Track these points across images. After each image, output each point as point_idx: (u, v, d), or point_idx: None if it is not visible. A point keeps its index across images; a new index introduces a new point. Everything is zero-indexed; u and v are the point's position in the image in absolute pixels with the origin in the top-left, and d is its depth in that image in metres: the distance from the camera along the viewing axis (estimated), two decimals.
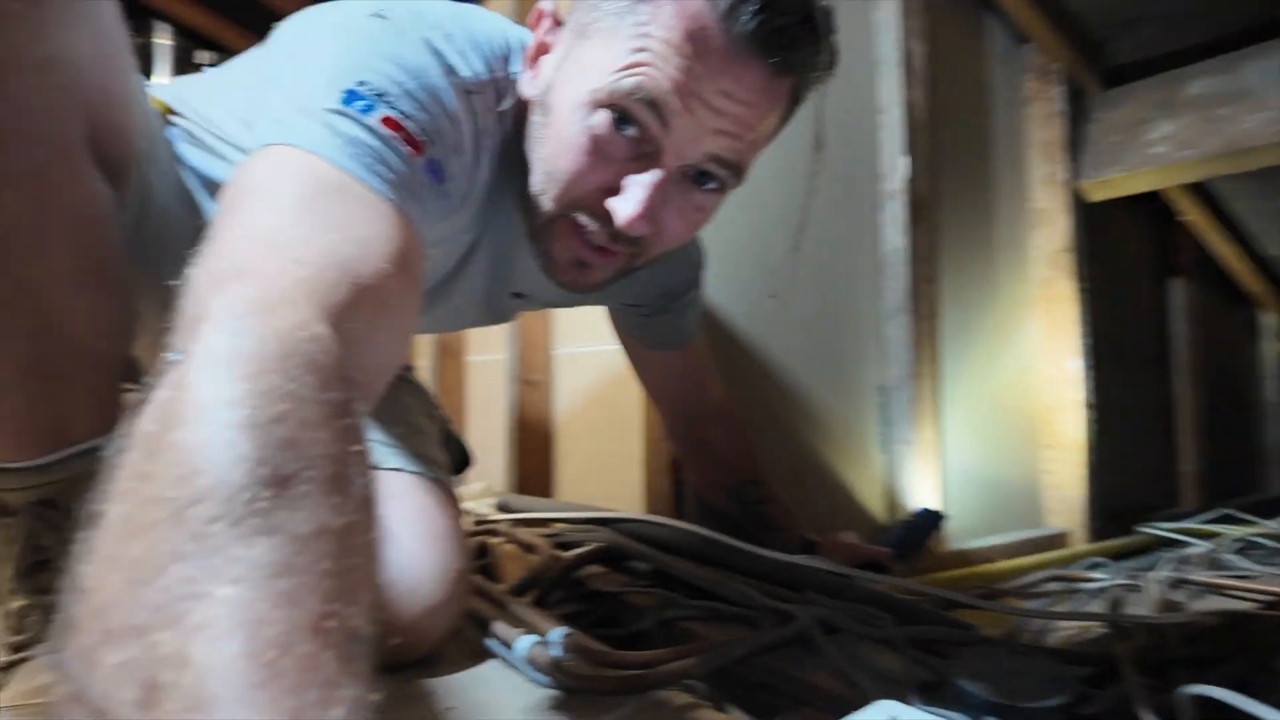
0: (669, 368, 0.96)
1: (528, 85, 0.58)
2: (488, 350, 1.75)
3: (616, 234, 0.55)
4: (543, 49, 0.58)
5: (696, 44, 0.49)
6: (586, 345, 1.35)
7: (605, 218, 0.55)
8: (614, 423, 1.30)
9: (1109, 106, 1.81)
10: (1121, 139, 1.76)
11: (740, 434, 1.03)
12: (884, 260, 1.39)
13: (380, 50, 0.50)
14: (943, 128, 1.51)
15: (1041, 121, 1.77)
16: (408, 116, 0.48)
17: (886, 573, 1.08)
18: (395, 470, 0.78)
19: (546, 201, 0.57)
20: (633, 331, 0.93)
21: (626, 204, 0.53)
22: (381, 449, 0.80)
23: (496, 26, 0.60)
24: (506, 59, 0.60)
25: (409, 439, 0.83)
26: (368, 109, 0.47)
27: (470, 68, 0.55)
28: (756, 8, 0.48)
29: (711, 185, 0.56)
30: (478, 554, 1.24)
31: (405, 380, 0.95)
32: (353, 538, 0.26)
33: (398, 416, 0.85)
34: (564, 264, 0.59)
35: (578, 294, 0.63)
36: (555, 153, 0.55)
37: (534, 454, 1.42)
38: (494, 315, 0.82)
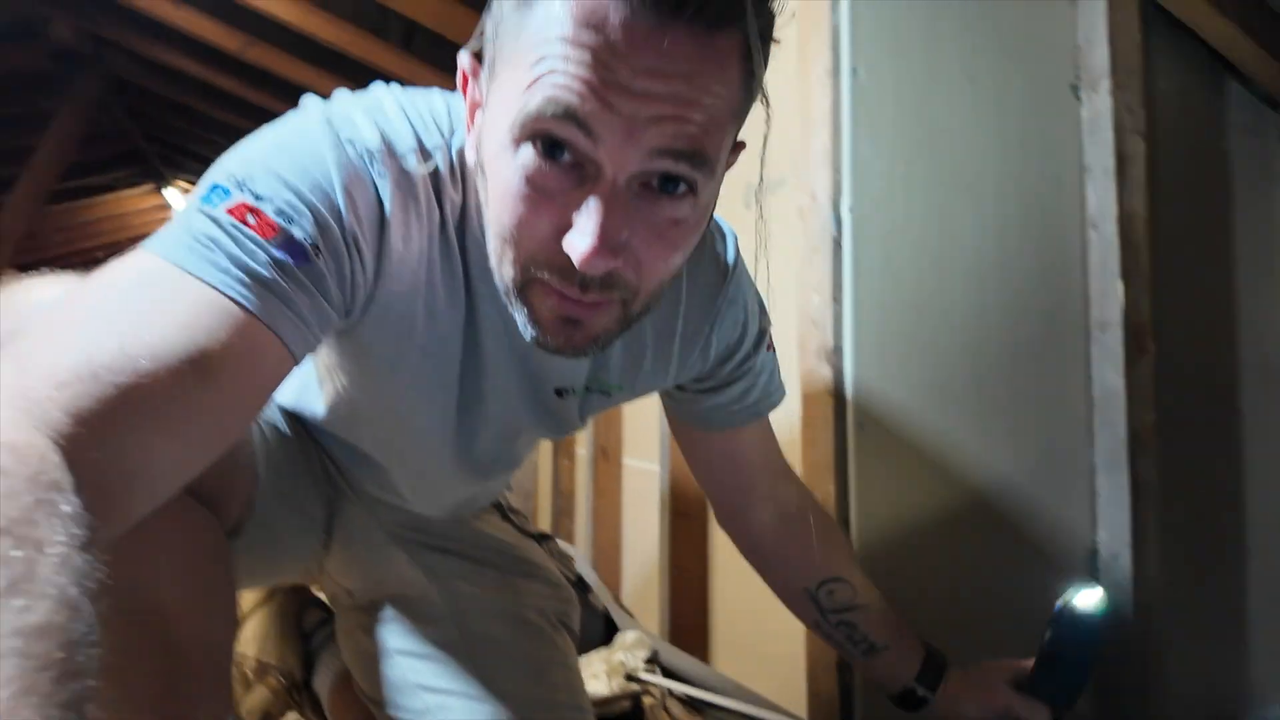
0: (734, 451, 0.83)
1: (470, 152, 0.53)
2: (643, 456, 1.71)
3: (586, 279, 0.48)
4: (475, 107, 0.52)
5: (597, 29, 0.42)
6: None
7: (570, 266, 0.47)
8: None
9: None
10: None
11: (819, 520, 0.87)
12: (1096, 403, 1.19)
13: (268, 136, 0.51)
14: (1168, 234, 1.28)
15: None
16: (262, 198, 0.47)
17: None
18: None
19: (506, 269, 0.50)
20: (697, 416, 0.80)
21: (579, 241, 0.45)
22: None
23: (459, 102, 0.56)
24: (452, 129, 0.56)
25: (536, 686, 0.80)
26: (221, 198, 0.46)
27: (378, 137, 0.52)
28: None
29: (680, 189, 0.47)
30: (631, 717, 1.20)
31: (529, 564, 0.92)
32: (40, 643, 0.26)
33: (525, 650, 0.82)
34: (551, 325, 0.51)
35: (576, 355, 0.54)
36: (498, 210, 0.49)
37: (688, 597, 1.36)
38: (553, 422, 0.73)
